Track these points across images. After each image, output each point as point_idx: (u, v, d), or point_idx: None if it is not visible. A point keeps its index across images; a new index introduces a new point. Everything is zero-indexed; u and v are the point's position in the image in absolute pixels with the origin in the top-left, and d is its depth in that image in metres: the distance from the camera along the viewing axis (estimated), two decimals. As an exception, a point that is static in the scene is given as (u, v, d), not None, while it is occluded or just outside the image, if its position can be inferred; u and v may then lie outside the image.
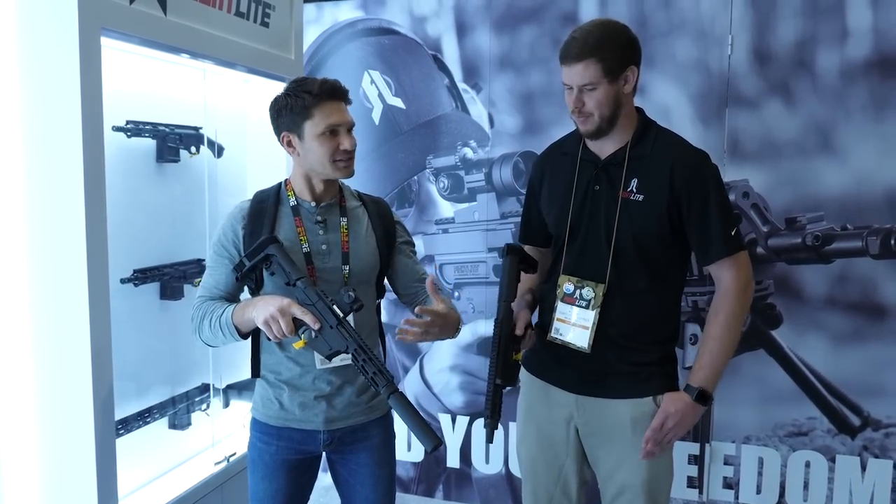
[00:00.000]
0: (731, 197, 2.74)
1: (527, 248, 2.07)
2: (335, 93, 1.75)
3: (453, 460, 3.29)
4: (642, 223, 1.81)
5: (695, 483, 2.94)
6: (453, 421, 3.26)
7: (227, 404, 2.73)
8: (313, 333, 1.64)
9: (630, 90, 1.81)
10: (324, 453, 1.90)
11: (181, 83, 2.49)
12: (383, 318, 2.01)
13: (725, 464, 2.91)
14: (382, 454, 1.91)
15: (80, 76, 1.80)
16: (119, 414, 2.16)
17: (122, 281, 2.23)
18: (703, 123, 2.80)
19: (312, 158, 1.76)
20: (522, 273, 1.91)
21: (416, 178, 3.22)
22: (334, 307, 1.65)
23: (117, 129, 2.20)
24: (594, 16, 2.87)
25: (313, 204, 1.82)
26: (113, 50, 2.06)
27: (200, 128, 2.53)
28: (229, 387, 2.73)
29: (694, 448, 2.93)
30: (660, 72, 2.80)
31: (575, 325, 1.86)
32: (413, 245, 1.98)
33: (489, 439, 1.76)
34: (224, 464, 2.53)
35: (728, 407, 2.87)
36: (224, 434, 2.71)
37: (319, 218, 1.82)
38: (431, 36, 3.14)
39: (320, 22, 3.30)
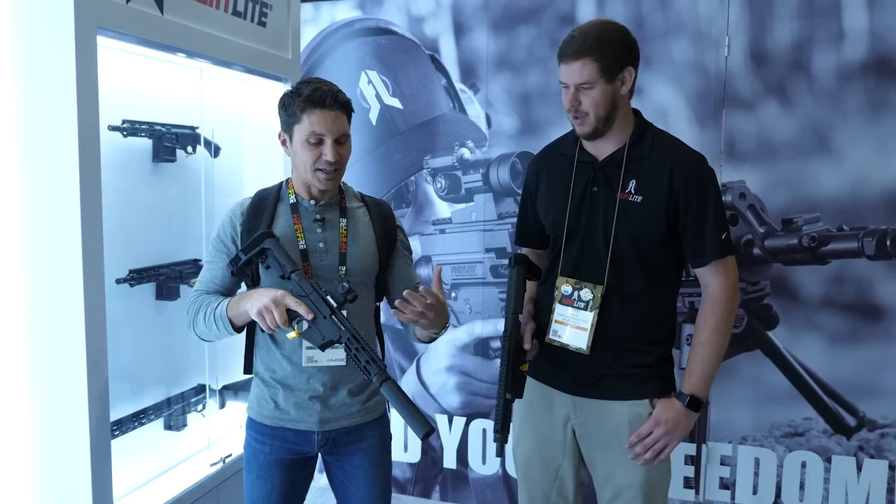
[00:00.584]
0: (728, 198, 2.75)
1: (524, 250, 2.07)
2: (323, 102, 1.70)
3: (450, 461, 3.29)
4: (641, 225, 1.81)
5: (691, 483, 2.95)
6: (450, 422, 3.26)
7: (222, 405, 2.72)
8: (306, 324, 1.65)
9: (627, 91, 1.81)
10: (319, 454, 1.89)
11: (178, 82, 2.48)
12: (382, 319, 2.00)
13: (722, 464, 2.92)
14: (378, 456, 1.91)
15: (76, 75, 1.79)
16: (114, 415, 2.15)
17: (118, 281, 2.22)
18: (699, 124, 2.81)
19: (297, 162, 1.77)
20: (527, 282, 1.91)
21: (413, 178, 3.21)
22: (328, 297, 1.65)
23: (113, 128, 2.19)
24: (591, 16, 2.87)
25: (312, 202, 1.82)
26: (109, 49, 2.05)
27: (197, 127, 2.52)
28: (225, 388, 2.73)
29: (690, 448, 2.93)
30: (657, 73, 2.80)
31: (573, 326, 1.86)
32: (411, 252, 1.98)
33: (499, 453, 1.75)
34: (220, 465, 2.52)
35: (724, 407, 2.88)
36: (220, 435, 2.70)
37: (318, 216, 1.82)
38: (429, 36, 3.14)
39: (317, 21, 3.29)
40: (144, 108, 2.33)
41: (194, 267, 2.49)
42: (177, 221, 2.52)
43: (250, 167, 2.83)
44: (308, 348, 1.77)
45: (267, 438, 1.85)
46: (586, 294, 1.85)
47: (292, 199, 1.83)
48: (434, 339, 1.86)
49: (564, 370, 1.91)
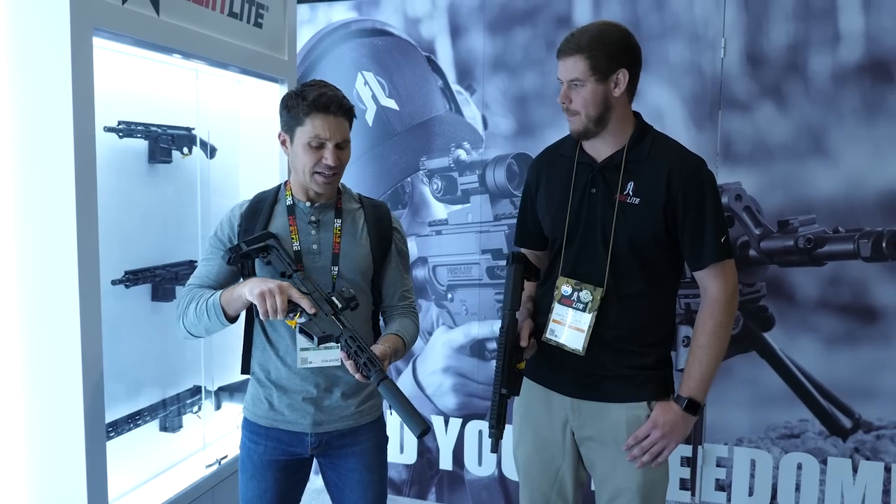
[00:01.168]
0: (724, 200, 2.75)
1: (522, 250, 2.07)
2: (328, 108, 1.71)
3: (446, 462, 3.29)
4: (638, 226, 1.81)
5: (687, 485, 2.95)
6: (446, 423, 3.26)
7: (218, 407, 2.72)
8: (304, 318, 1.65)
9: (621, 93, 1.81)
10: (315, 457, 1.89)
11: (174, 83, 2.48)
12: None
13: (718, 466, 2.92)
14: (373, 459, 1.91)
15: (71, 76, 1.78)
16: (109, 416, 2.14)
17: (114, 282, 2.22)
18: (695, 126, 2.81)
19: (297, 165, 1.78)
20: (525, 281, 1.91)
21: (409, 179, 3.21)
22: (333, 298, 1.67)
23: (109, 129, 2.18)
24: (588, 18, 2.87)
25: (308, 204, 1.83)
26: (105, 50, 2.05)
27: (193, 128, 2.51)
28: (221, 389, 2.72)
29: (686, 450, 2.93)
30: (653, 74, 2.80)
31: (570, 327, 1.86)
32: (405, 256, 1.97)
33: (493, 449, 1.76)
34: (215, 467, 2.51)
35: (720, 409, 2.88)
36: (215, 437, 2.69)
37: (313, 218, 1.82)
38: (425, 37, 3.14)
39: (314, 23, 3.29)
40: (140, 110, 2.32)
41: (190, 268, 2.48)
42: (173, 223, 2.51)
43: (246, 168, 2.83)
44: (303, 349, 1.77)
45: (261, 439, 1.85)
46: (585, 296, 1.85)
47: (289, 201, 1.84)
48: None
49: (563, 372, 1.91)
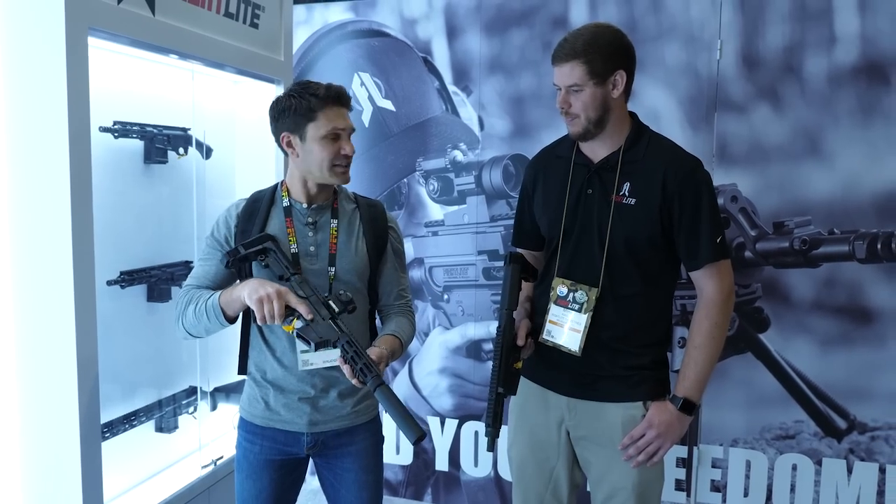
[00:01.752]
0: (720, 201, 2.75)
1: (519, 250, 2.07)
2: (340, 98, 1.77)
3: (442, 463, 3.29)
4: (634, 227, 1.81)
5: (682, 486, 2.95)
6: (442, 424, 3.26)
7: (214, 407, 2.71)
8: (301, 323, 1.65)
9: (619, 94, 1.81)
10: (311, 457, 1.89)
11: (169, 84, 2.47)
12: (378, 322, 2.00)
13: (713, 467, 2.92)
14: (369, 459, 1.91)
15: (66, 76, 1.78)
16: (105, 417, 2.14)
17: (109, 283, 2.21)
18: (691, 127, 2.81)
19: (311, 161, 1.77)
20: (522, 281, 1.91)
21: (405, 180, 3.21)
22: (330, 302, 1.67)
23: (104, 129, 2.18)
24: (584, 19, 2.88)
25: (305, 206, 1.83)
26: (100, 50, 2.05)
27: (188, 129, 2.51)
28: (217, 390, 2.72)
29: (682, 451, 2.94)
30: (649, 76, 2.81)
31: (566, 327, 1.87)
32: (401, 255, 1.98)
33: (490, 448, 1.76)
34: (211, 467, 2.51)
35: (716, 410, 2.88)
36: (211, 437, 2.69)
37: (310, 219, 1.82)
38: (422, 38, 3.14)
39: (310, 23, 3.29)
40: (136, 110, 2.32)
41: (186, 268, 2.48)
42: (168, 223, 2.51)
43: (242, 169, 2.82)
44: (303, 352, 1.77)
45: (257, 438, 1.86)
46: (581, 296, 1.85)
47: (286, 203, 1.83)
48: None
49: (559, 371, 1.91)
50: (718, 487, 2.93)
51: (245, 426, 1.89)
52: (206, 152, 2.62)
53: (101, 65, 2.07)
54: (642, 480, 1.86)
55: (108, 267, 2.21)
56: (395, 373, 3.31)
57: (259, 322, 1.65)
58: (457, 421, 3.24)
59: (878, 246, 2.66)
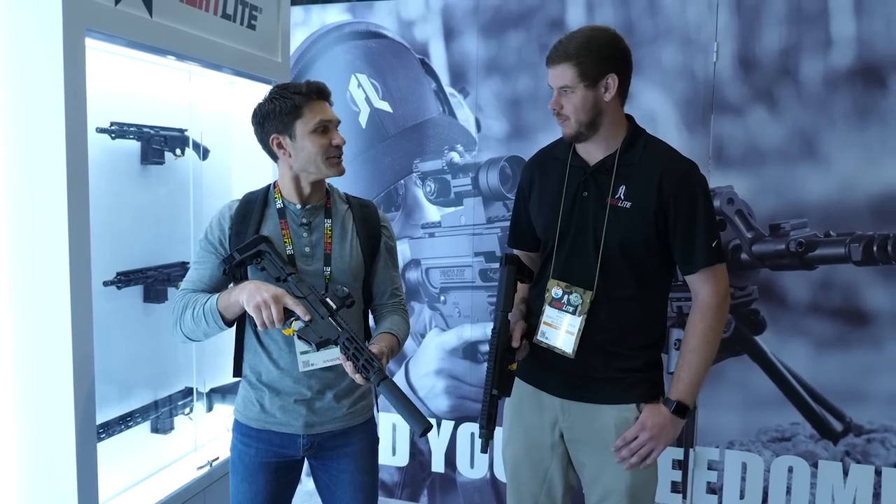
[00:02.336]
0: (716, 203, 2.76)
1: (515, 252, 2.08)
2: (322, 92, 1.79)
3: (438, 465, 3.29)
4: (629, 230, 1.82)
5: (679, 488, 2.95)
6: (438, 425, 3.26)
7: (210, 408, 2.71)
8: (301, 325, 1.65)
9: (612, 98, 1.81)
10: (306, 458, 1.89)
11: (166, 85, 2.47)
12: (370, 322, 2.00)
13: (709, 469, 2.93)
14: (364, 461, 1.91)
15: (63, 77, 1.78)
16: (101, 418, 2.14)
17: (105, 283, 2.21)
18: (688, 130, 2.82)
19: (304, 157, 1.77)
20: (518, 283, 1.91)
21: (402, 181, 3.21)
22: (327, 300, 1.67)
23: (101, 130, 2.18)
24: (581, 22, 2.88)
25: (299, 207, 1.83)
26: (97, 51, 2.05)
27: (185, 130, 2.51)
28: (213, 391, 2.71)
29: (678, 453, 2.94)
30: (645, 78, 2.81)
31: (561, 329, 1.87)
32: (396, 255, 1.98)
33: (484, 449, 1.76)
34: (207, 468, 2.51)
35: (712, 412, 2.89)
36: (207, 438, 2.69)
37: (304, 220, 1.82)
38: (419, 40, 3.15)
39: (307, 25, 3.29)
40: (133, 111, 2.32)
41: (182, 269, 2.48)
42: (165, 224, 2.51)
43: (239, 170, 2.83)
44: (303, 353, 1.76)
45: (252, 441, 1.85)
46: (576, 298, 1.86)
47: (279, 204, 1.83)
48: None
49: (553, 373, 1.91)
50: (714, 490, 2.93)
51: (240, 429, 1.88)
52: (203, 153, 2.62)
53: (98, 66, 2.07)
54: (635, 482, 1.86)
55: (105, 267, 2.21)
56: (392, 374, 3.30)
57: (259, 328, 1.66)
58: (453, 422, 3.24)
59: (874, 248, 2.66)
